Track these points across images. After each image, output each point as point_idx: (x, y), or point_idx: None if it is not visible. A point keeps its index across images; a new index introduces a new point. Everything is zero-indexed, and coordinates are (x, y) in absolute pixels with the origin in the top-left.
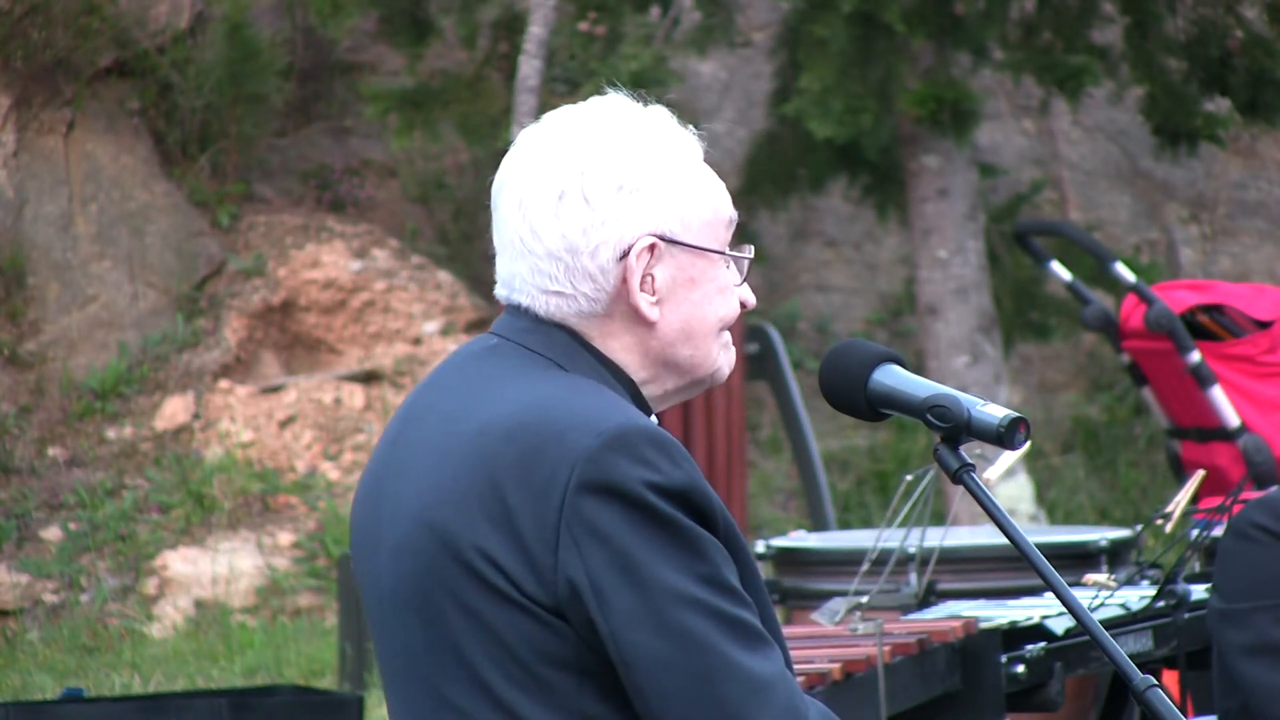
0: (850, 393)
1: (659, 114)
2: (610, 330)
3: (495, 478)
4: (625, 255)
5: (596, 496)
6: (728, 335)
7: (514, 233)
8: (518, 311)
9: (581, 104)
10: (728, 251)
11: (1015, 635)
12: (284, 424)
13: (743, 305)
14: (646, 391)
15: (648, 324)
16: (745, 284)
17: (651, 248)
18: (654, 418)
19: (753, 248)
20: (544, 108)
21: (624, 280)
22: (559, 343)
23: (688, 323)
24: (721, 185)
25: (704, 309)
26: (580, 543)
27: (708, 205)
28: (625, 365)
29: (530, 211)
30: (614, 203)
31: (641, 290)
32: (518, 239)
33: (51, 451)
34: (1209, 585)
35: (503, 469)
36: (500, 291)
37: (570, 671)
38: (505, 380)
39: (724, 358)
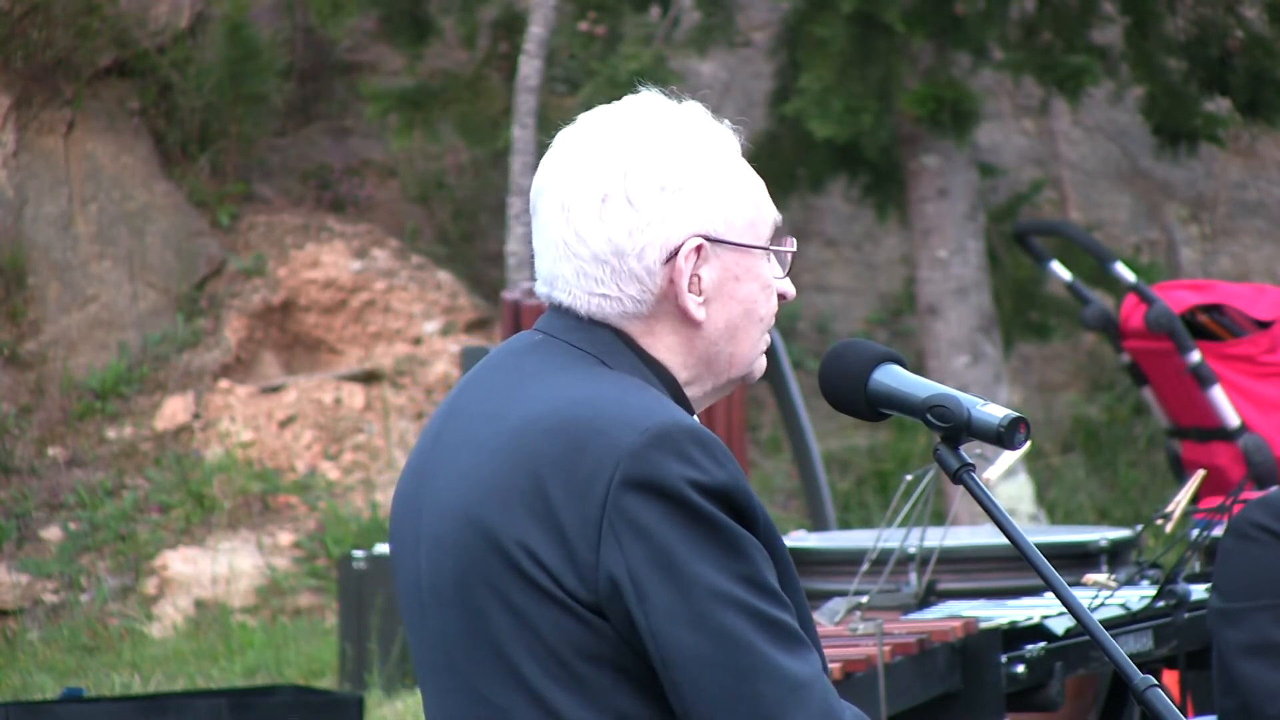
0: (850, 393)
1: (696, 110)
2: (655, 330)
3: (538, 473)
4: (673, 257)
5: (639, 493)
6: (766, 334)
7: (558, 236)
8: (561, 310)
9: (616, 104)
10: (771, 247)
11: (1015, 635)
12: (284, 424)
13: (782, 297)
14: (689, 392)
15: (694, 324)
16: (786, 277)
17: (698, 248)
18: (694, 418)
19: (795, 240)
20: (544, 108)
21: (671, 281)
22: (603, 340)
23: (733, 321)
24: (760, 181)
25: (749, 306)
26: (622, 539)
27: (750, 202)
28: (669, 365)
29: (574, 215)
30: (658, 204)
31: (689, 291)
32: (561, 242)
33: (51, 451)
34: (1209, 585)
35: (546, 465)
36: (541, 289)
37: (607, 668)
38: (548, 376)
39: (760, 356)
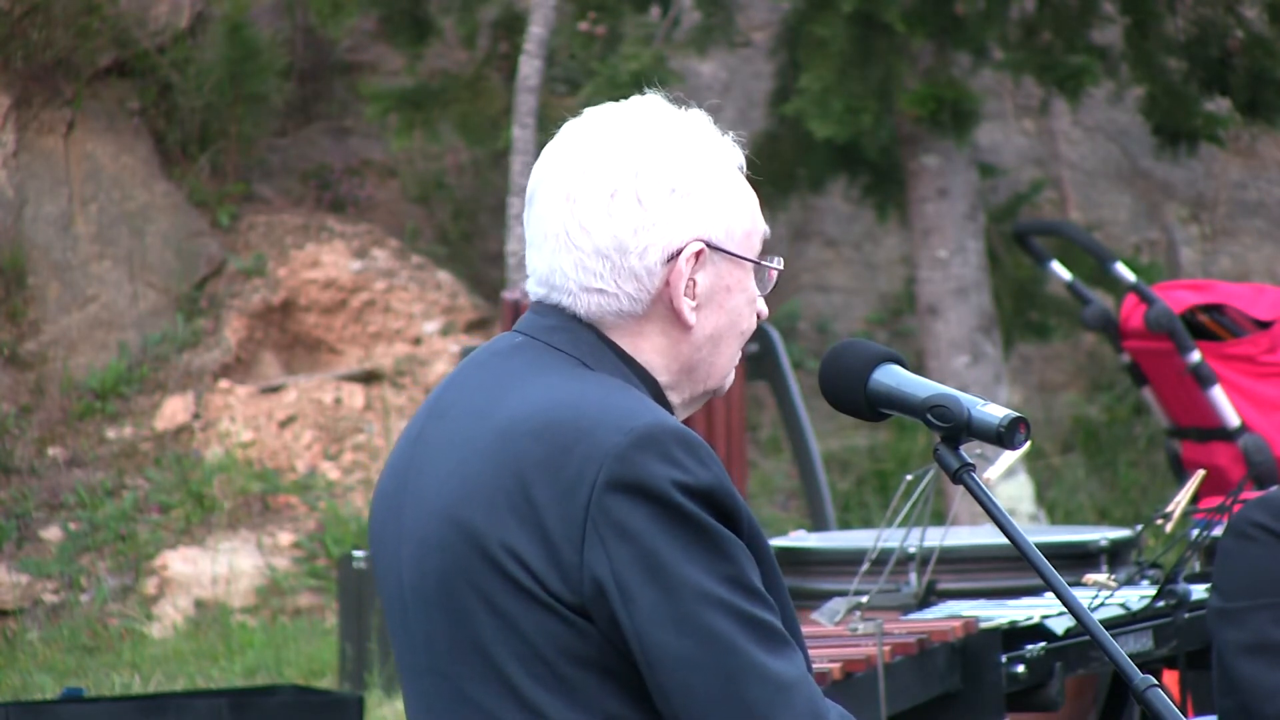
0: (850, 393)
1: (702, 119)
2: (643, 332)
3: (522, 475)
4: (673, 258)
5: (624, 495)
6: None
7: (559, 226)
8: (544, 309)
9: (623, 103)
10: (763, 262)
11: (1015, 635)
12: (284, 424)
13: (758, 315)
14: (670, 396)
15: (685, 328)
16: (763, 296)
17: (698, 253)
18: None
19: (782, 259)
20: (544, 108)
21: (668, 283)
22: (585, 341)
23: (718, 330)
24: (755, 197)
25: (734, 318)
26: (606, 541)
27: (748, 215)
28: (652, 367)
29: (580, 207)
30: (666, 205)
31: (685, 295)
32: (563, 233)
33: (51, 451)
34: (1209, 585)
35: (530, 466)
36: (536, 289)
37: (593, 670)
38: (530, 377)
39: (732, 370)
